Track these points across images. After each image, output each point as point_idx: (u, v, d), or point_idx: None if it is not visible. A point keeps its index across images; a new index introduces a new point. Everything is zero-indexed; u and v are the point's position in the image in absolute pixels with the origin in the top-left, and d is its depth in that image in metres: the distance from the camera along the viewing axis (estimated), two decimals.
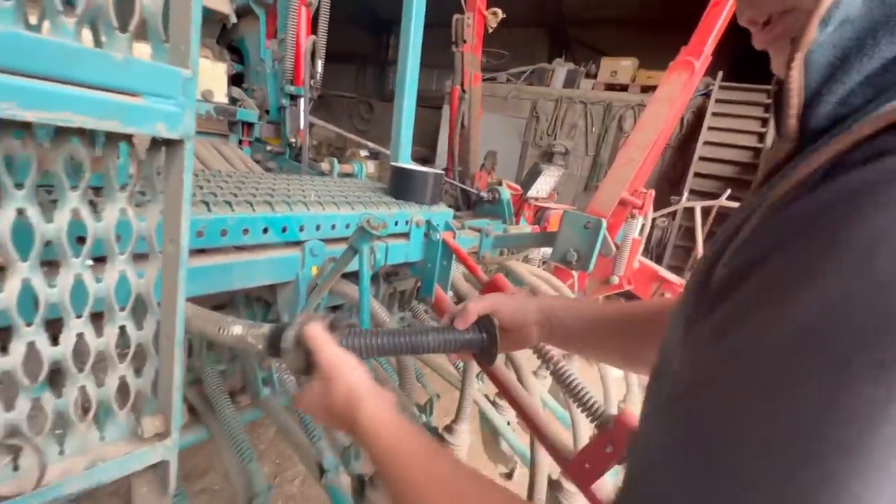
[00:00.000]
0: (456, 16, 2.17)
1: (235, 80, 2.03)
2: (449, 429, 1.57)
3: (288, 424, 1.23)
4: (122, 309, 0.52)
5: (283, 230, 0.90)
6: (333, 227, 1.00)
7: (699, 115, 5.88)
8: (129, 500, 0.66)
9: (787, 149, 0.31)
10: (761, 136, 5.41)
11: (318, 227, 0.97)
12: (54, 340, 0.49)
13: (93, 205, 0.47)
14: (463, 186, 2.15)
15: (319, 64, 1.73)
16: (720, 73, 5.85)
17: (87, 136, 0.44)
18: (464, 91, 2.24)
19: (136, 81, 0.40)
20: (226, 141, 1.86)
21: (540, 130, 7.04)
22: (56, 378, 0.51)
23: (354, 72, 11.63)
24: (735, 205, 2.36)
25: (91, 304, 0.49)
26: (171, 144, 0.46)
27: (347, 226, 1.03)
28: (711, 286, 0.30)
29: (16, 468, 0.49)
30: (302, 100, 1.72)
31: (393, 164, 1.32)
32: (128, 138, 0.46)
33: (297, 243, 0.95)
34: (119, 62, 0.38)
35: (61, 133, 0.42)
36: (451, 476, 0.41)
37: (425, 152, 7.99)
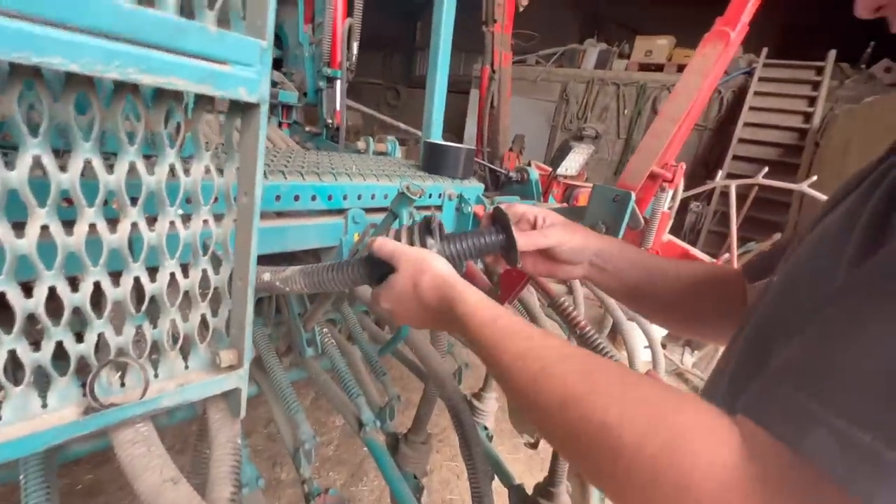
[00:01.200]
0: None
1: (275, 64, 2.13)
2: (478, 396, 1.64)
3: (328, 384, 1.34)
4: (205, 255, 0.61)
5: (329, 198, 0.98)
6: (373, 196, 1.07)
7: (740, 95, 5.60)
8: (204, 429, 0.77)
9: None
10: (807, 116, 5.11)
11: (359, 197, 1.04)
12: (153, 279, 0.58)
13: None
14: (492, 167, 2.19)
15: (355, 46, 1.79)
16: (764, 50, 5.54)
17: (181, 99, 0.52)
18: (493, 71, 2.25)
19: (226, 51, 0.47)
20: (268, 122, 1.96)
21: (570, 114, 6.91)
22: (152, 311, 0.60)
23: (382, 58, 11.67)
24: (774, 183, 2.28)
25: (181, 249, 0.58)
26: (249, 107, 0.53)
27: (385, 196, 1.10)
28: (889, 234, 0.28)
29: (123, 384, 0.59)
30: (339, 82, 1.80)
31: (426, 140, 1.37)
32: (212, 101, 0.53)
33: (341, 211, 1.03)
34: (214, 35, 0.45)
35: (163, 96, 0.50)
36: (569, 352, 0.39)
37: (451, 138, 7.98)
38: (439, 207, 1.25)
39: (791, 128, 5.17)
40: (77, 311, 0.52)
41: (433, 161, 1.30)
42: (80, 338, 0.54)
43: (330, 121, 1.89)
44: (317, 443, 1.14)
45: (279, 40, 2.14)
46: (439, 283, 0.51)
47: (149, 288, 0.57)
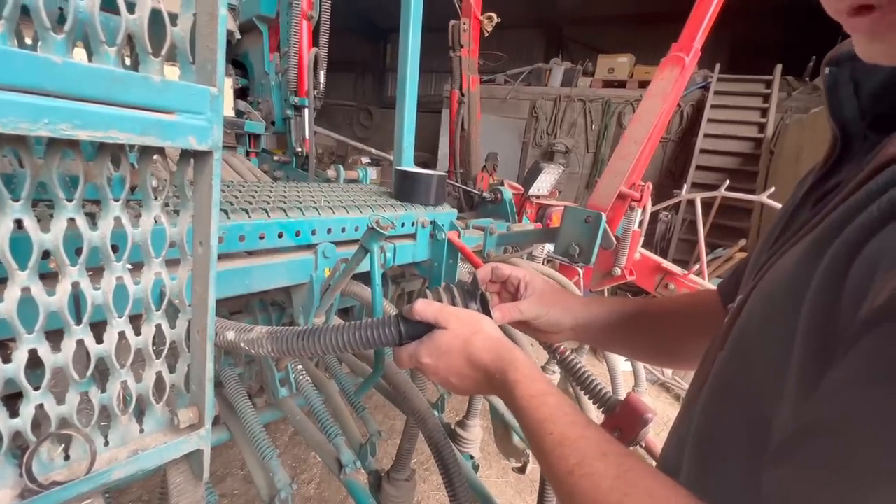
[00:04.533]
0: (452, 21, 2.23)
1: (241, 93, 2.09)
2: (461, 424, 1.60)
3: (305, 423, 1.28)
4: (158, 309, 0.57)
5: (297, 234, 0.95)
6: (343, 229, 1.05)
7: (698, 108, 5.89)
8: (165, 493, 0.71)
9: None
10: (761, 127, 5.41)
11: (329, 231, 1.01)
12: (99, 339, 0.54)
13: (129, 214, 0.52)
14: (465, 188, 2.19)
15: (322, 74, 1.78)
16: (718, 66, 5.87)
17: (126, 150, 0.49)
18: (462, 94, 2.28)
19: (171, 100, 0.45)
20: (234, 153, 1.92)
21: (540, 130, 7.09)
22: (100, 374, 0.55)
23: (353, 80, 11.76)
24: (736, 195, 2.39)
25: (131, 305, 0.54)
26: (201, 155, 0.51)
27: (356, 228, 1.07)
28: (842, 313, 0.28)
29: (67, 458, 0.54)
30: (306, 110, 1.78)
31: (397, 167, 1.37)
32: (161, 151, 0.51)
33: (310, 246, 0.99)
34: (158, 84, 0.43)
35: (104, 149, 0.47)
36: (608, 449, 0.38)
37: (426, 157, 8.06)
38: (413, 236, 1.23)
39: (747, 137, 5.46)
40: (11, 382, 0.47)
41: (405, 189, 1.29)
42: (14, 411, 0.49)
43: (299, 149, 1.87)
44: (294, 490, 1.08)
45: (245, 69, 2.12)
46: (495, 345, 0.50)
47: (95, 350, 0.53)
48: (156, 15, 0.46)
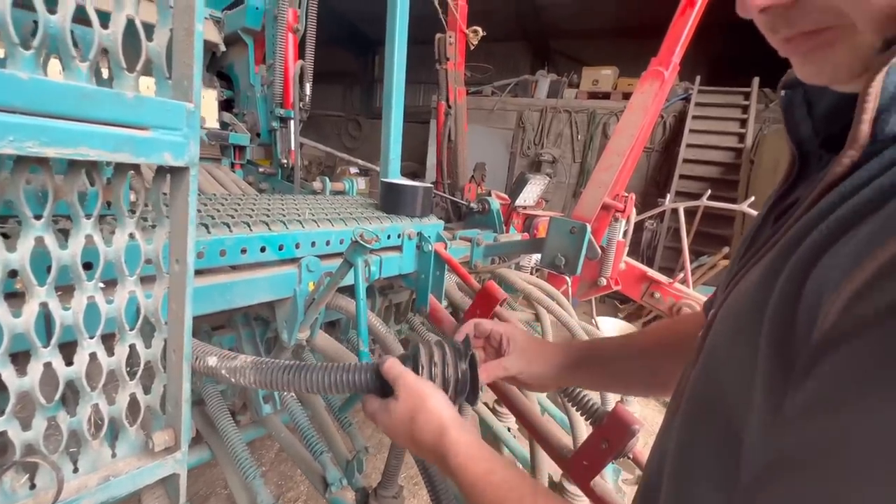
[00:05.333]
0: (438, 35, 2.25)
1: (226, 105, 2.08)
2: None
3: (290, 440, 1.25)
4: (132, 328, 0.55)
5: (280, 248, 0.93)
6: (328, 243, 1.04)
7: (680, 118, 6.03)
8: None
9: (855, 157, 0.30)
10: (741, 137, 5.56)
11: (313, 244, 1.00)
12: (68, 361, 0.52)
13: (102, 233, 0.51)
14: (453, 198, 2.20)
15: (308, 87, 1.78)
16: (698, 78, 6.04)
17: (99, 167, 0.48)
18: (449, 106, 2.30)
19: (146, 116, 0.44)
20: (218, 164, 1.90)
21: (527, 140, 7.18)
22: (70, 397, 0.53)
23: (342, 91, 11.79)
24: (717, 205, 2.45)
25: (103, 325, 0.52)
26: (177, 171, 0.50)
27: (341, 241, 1.06)
28: (799, 327, 0.28)
29: (32, 486, 0.52)
30: (292, 122, 1.77)
31: (383, 179, 1.36)
32: (136, 167, 0.49)
33: (294, 260, 0.98)
34: (130, 100, 0.42)
35: (75, 165, 0.46)
36: None
37: (415, 166, 8.09)
38: (399, 248, 1.23)
39: (728, 147, 5.60)
40: None
41: (391, 201, 1.29)
42: None
43: (284, 161, 1.85)
44: None
45: (230, 81, 2.11)
46: (436, 426, 0.51)
47: (64, 373, 0.51)
48: (131, 27, 0.45)
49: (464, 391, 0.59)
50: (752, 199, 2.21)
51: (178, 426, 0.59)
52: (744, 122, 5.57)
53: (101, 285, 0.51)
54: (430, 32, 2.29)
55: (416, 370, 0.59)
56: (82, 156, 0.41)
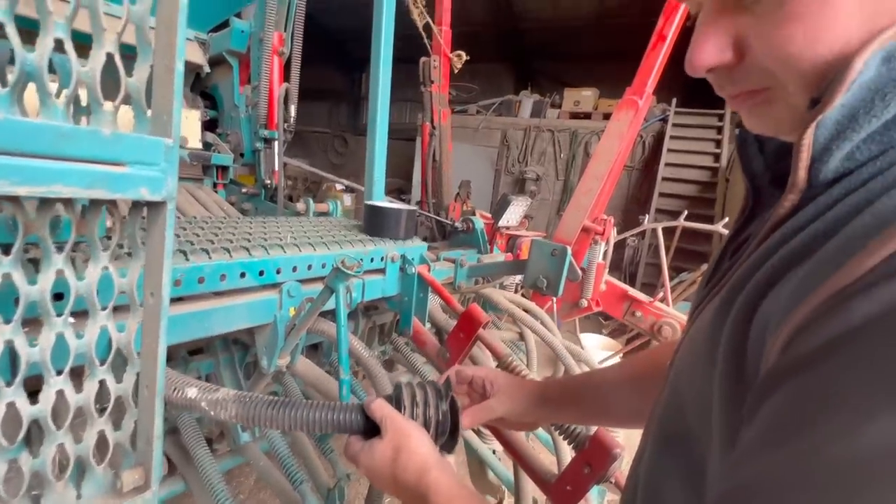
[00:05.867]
0: (423, 59, 2.30)
1: (209, 125, 2.07)
2: None
3: (269, 469, 1.21)
4: (103, 363, 0.54)
5: (261, 274, 0.92)
6: (310, 267, 1.03)
7: (659, 138, 6.24)
8: None
9: (794, 200, 0.32)
10: (716, 157, 5.77)
11: (294, 269, 1.00)
12: (33, 398, 0.50)
13: (74, 262, 0.50)
14: (438, 218, 2.22)
15: (293, 108, 1.80)
16: (675, 100, 6.28)
17: (73, 203, 0.47)
18: (434, 127, 2.34)
19: (122, 153, 0.44)
20: (200, 185, 1.88)
21: (511, 158, 7.31)
22: (33, 437, 0.51)
23: (328, 108, 11.86)
24: (696, 226, 2.52)
25: (72, 361, 0.51)
26: (154, 206, 0.50)
27: (323, 265, 1.06)
28: (748, 353, 0.29)
29: None
30: (276, 143, 1.78)
31: (367, 202, 1.37)
32: (112, 202, 0.49)
33: (275, 285, 0.97)
34: (107, 138, 0.42)
35: (47, 202, 0.45)
36: None
37: (401, 183, 8.13)
38: (382, 270, 1.23)
39: (704, 167, 5.81)
40: None
41: (374, 223, 1.30)
42: None
43: (268, 181, 1.85)
44: None
45: (213, 101, 2.11)
46: (418, 466, 0.52)
47: (28, 412, 0.49)
48: (111, 61, 0.45)
49: (444, 432, 0.60)
50: (727, 219, 2.29)
51: (149, 464, 0.57)
52: (719, 143, 5.79)
53: (72, 320, 0.50)
54: (418, 51, 2.34)
55: (398, 409, 0.60)
56: (55, 193, 0.41)
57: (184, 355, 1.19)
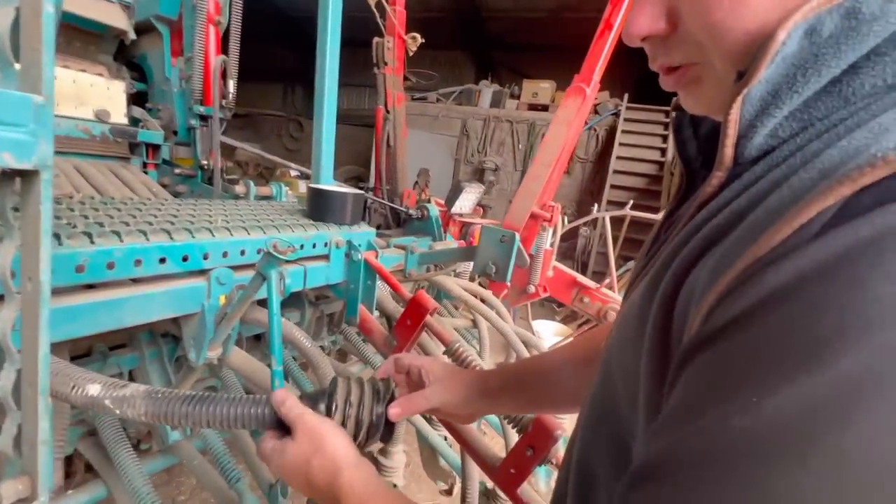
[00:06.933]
0: (376, 39, 2.22)
1: (137, 99, 1.88)
2: (384, 451, 1.54)
3: (204, 468, 1.14)
4: None
5: (184, 259, 0.85)
6: (243, 252, 0.96)
7: (611, 132, 6.48)
8: None
9: (721, 178, 0.33)
10: (663, 151, 6.08)
11: (224, 254, 0.92)
12: None
13: None
14: (391, 205, 2.17)
15: (232, 84, 1.66)
16: (626, 96, 6.52)
17: None
18: (388, 111, 2.27)
19: None
20: (127, 164, 1.71)
21: (471, 148, 7.32)
22: None
23: (282, 90, 11.30)
24: (641, 214, 2.64)
25: None
26: (25, 175, 0.43)
27: (259, 251, 0.99)
28: (673, 330, 0.29)
29: None
30: (213, 121, 1.64)
31: (310, 185, 1.30)
32: None
33: (203, 272, 0.90)
34: None
35: None
36: None
37: (360, 171, 7.92)
38: (326, 257, 1.17)
39: (652, 161, 6.10)
40: None
41: (318, 207, 1.23)
42: None
43: (205, 162, 1.71)
44: None
45: (142, 73, 1.91)
46: (332, 468, 0.50)
47: None
48: None
49: (375, 435, 0.58)
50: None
51: (36, 472, 0.51)
52: (665, 138, 6.10)
53: None
54: (376, 34, 2.25)
55: (329, 407, 0.57)
56: None
57: (103, 350, 1.08)
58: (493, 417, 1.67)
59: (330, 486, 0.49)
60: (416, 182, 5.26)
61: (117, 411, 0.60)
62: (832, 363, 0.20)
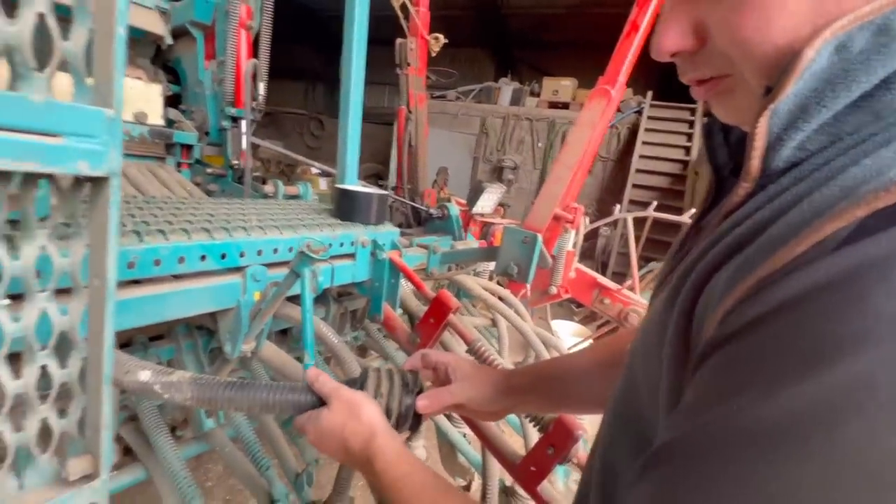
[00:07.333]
0: (399, 40, 2.25)
1: (172, 101, 1.96)
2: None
3: (235, 455, 1.19)
4: (44, 348, 0.51)
5: (223, 257, 0.89)
6: (276, 251, 1.00)
7: (634, 130, 6.35)
8: None
9: (748, 188, 0.33)
10: (687, 150, 5.93)
11: (259, 252, 0.97)
12: None
13: (9, 240, 0.46)
14: (413, 204, 2.20)
15: (262, 86, 1.72)
16: (650, 93, 6.38)
17: (3, 175, 0.44)
18: (410, 111, 2.30)
19: (57, 123, 0.41)
20: (163, 164, 1.79)
21: (490, 146, 7.29)
22: None
23: (304, 89, 11.48)
24: (664, 216, 2.60)
25: (7, 346, 0.48)
26: (96, 181, 0.47)
27: (290, 249, 1.03)
28: (692, 335, 0.31)
29: None
30: (243, 122, 1.70)
31: (337, 185, 1.34)
32: (49, 177, 0.46)
33: (238, 269, 0.94)
34: (39, 105, 0.39)
35: None
36: None
37: (379, 168, 8.00)
38: (352, 255, 1.21)
39: (676, 160, 5.96)
40: None
41: (345, 208, 1.27)
42: None
43: (236, 162, 1.78)
44: None
45: (177, 76, 2.00)
46: (366, 433, 0.53)
47: None
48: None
49: (404, 425, 0.60)
50: (693, 210, 2.36)
51: (98, 452, 0.55)
52: (690, 136, 5.94)
53: (6, 301, 0.47)
54: (397, 32, 2.27)
55: None
56: None
57: (143, 341, 1.15)
58: (513, 417, 1.69)
59: (364, 449, 0.51)
60: (435, 180, 5.29)
61: (165, 396, 0.65)
62: (828, 370, 0.21)
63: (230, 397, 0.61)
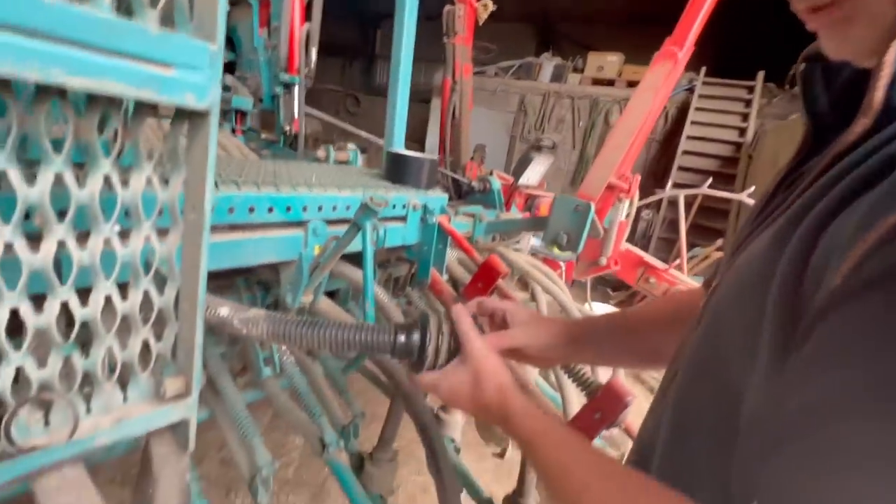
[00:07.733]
0: (447, 7, 2.20)
1: (228, 67, 2.03)
2: (444, 408, 1.62)
3: (288, 404, 1.27)
4: (146, 273, 0.55)
5: (288, 210, 0.93)
6: (335, 208, 1.04)
7: (683, 110, 6.00)
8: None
9: (867, 124, 0.31)
10: (742, 131, 5.55)
11: (320, 208, 1.00)
12: (84, 302, 0.52)
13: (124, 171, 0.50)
14: (455, 176, 2.19)
15: (313, 52, 1.74)
16: (703, 69, 5.98)
17: (118, 105, 0.47)
18: (455, 82, 2.27)
19: (170, 53, 0.43)
20: (220, 129, 1.86)
21: (528, 124, 7.11)
22: (84, 339, 0.54)
23: (341, 65, 11.52)
24: (717, 193, 2.46)
25: (118, 269, 0.52)
26: (197, 115, 0.49)
27: (348, 207, 1.06)
28: (804, 297, 0.29)
29: (47, 423, 0.52)
30: (296, 88, 1.74)
31: (389, 149, 1.35)
32: (154, 109, 0.49)
33: (300, 223, 0.98)
34: (156, 35, 0.41)
35: (95, 102, 0.45)
36: (611, 470, 0.42)
37: (414, 146, 7.98)
38: (403, 218, 1.23)
39: (728, 141, 5.60)
40: None
41: (396, 171, 1.28)
42: None
43: (288, 128, 1.82)
44: (275, 469, 1.07)
45: (232, 43, 2.05)
46: (499, 388, 0.55)
47: (79, 313, 0.51)
48: None
49: (452, 359, 0.61)
50: (752, 188, 2.23)
51: (190, 373, 0.60)
52: (745, 117, 5.56)
53: (118, 227, 0.51)
54: (432, 7, 2.24)
55: (423, 337, 0.61)
56: (106, 89, 0.41)
57: (209, 290, 1.22)
58: (550, 390, 1.70)
59: (499, 405, 0.53)
60: (472, 158, 5.24)
61: (244, 331, 0.69)
62: None
63: (303, 334, 0.64)
